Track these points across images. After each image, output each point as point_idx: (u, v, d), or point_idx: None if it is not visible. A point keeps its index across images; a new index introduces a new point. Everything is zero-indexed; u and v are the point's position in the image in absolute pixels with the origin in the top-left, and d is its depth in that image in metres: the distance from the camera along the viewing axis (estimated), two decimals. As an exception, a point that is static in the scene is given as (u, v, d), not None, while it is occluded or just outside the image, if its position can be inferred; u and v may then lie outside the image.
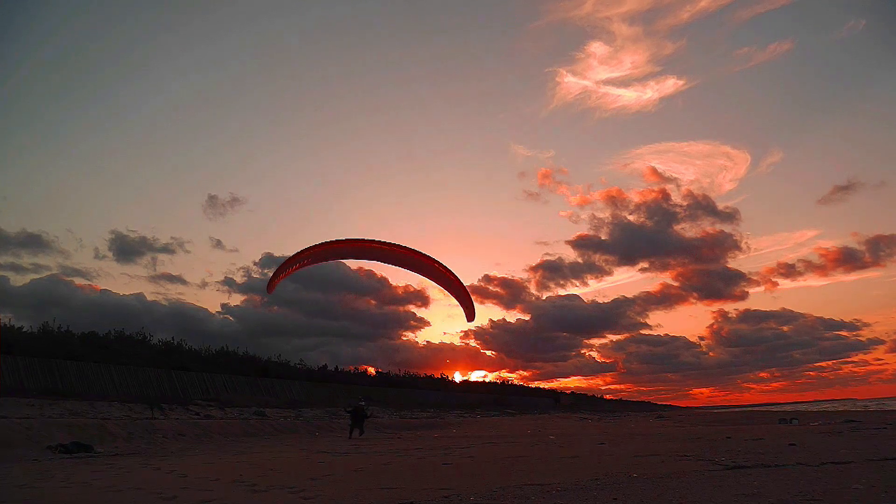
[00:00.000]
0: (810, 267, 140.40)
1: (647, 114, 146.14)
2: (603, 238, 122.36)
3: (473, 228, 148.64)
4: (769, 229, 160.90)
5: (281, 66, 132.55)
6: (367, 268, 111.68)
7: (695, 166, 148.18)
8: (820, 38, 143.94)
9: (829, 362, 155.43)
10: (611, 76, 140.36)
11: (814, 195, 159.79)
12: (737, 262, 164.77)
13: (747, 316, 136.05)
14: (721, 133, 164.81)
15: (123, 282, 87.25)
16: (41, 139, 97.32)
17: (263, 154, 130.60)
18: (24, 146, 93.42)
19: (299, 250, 17.61)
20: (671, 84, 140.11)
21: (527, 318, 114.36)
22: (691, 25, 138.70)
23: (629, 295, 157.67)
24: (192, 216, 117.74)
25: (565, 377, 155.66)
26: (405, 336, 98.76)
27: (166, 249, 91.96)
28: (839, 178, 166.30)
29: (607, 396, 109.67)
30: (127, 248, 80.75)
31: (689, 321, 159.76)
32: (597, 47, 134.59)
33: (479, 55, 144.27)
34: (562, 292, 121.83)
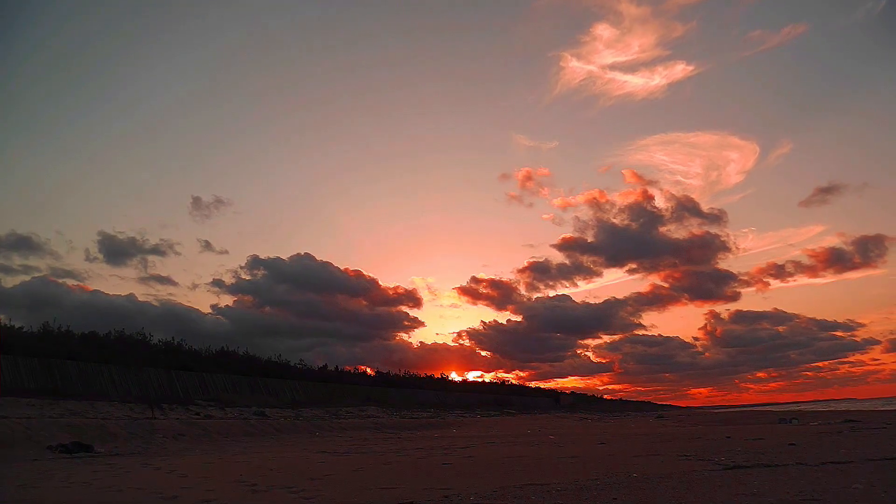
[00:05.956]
0: (800, 267, 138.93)
1: (654, 101, 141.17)
2: (589, 241, 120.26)
3: (465, 227, 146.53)
4: (764, 228, 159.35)
5: (268, 63, 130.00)
6: (354, 268, 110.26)
7: (700, 157, 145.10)
8: (836, 20, 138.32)
9: (826, 362, 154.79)
10: (617, 60, 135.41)
11: (806, 194, 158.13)
12: (727, 263, 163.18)
13: (740, 317, 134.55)
14: (727, 123, 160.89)
15: (114, 283, 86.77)
16: (31, 141, 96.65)
17: (248, 155, 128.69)
18: (13, 148, 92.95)
19: None
20: (680, 69, 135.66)
21: (518, 318, 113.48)
22: (702, 5, 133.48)
23: (620, 296, 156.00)
24: (180, 218, 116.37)
25: (562, 377, 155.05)
26: (398, 336, 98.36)
27: (156, 251, 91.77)
28: (836, 178, 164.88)
29: (606, 396, 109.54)
30: (117, 250, 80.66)
31: (682, 322, 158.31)
32: (603, 29, 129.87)
33: (476, 38, 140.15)
34: (552, 293, 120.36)
